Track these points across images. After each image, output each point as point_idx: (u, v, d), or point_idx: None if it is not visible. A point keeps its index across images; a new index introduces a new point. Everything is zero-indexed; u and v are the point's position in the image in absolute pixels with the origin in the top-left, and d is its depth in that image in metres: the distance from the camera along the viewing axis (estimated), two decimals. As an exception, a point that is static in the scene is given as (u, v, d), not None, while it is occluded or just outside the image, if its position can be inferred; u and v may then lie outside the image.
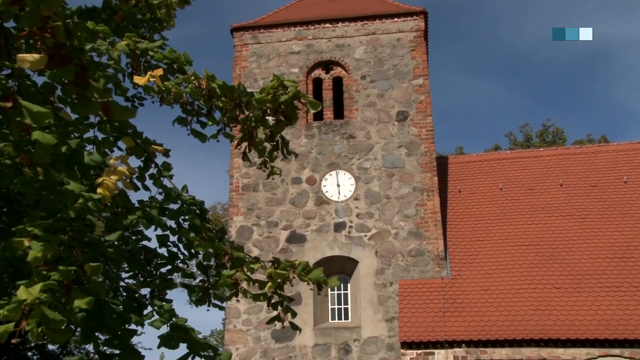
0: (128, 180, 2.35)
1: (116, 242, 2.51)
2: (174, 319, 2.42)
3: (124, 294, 2.61)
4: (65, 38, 1.69)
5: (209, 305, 2.75)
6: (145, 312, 2.47)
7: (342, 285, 9.98)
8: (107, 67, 2.10)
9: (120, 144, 2.72)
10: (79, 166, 2.38)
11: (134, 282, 2.75)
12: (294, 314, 2.65)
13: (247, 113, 2.54)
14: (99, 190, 2.07)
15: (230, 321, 9.67)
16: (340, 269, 9.96)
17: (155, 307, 2.50)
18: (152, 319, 2.44)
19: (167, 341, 2.32)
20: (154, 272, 2.86)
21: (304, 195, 10.19)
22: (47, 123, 1.77)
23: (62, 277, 1.80)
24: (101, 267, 1.92)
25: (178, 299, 24.59)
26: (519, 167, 11.44)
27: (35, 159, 1.87)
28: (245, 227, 10.14)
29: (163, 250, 2.93)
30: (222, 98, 2.44)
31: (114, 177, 2.10)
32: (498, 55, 37.95)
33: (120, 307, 2.37)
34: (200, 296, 2.72)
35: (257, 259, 2.69)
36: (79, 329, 2.21)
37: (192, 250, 2.94)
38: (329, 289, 9.90)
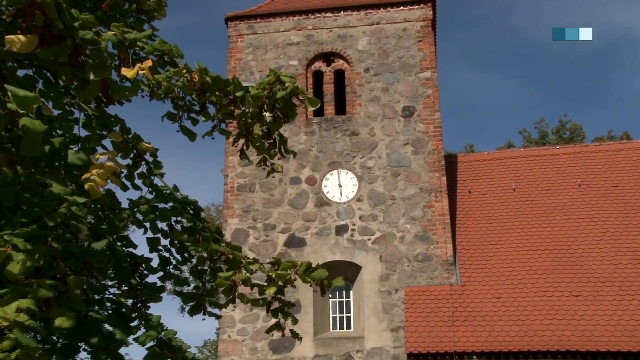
0: (117, 177, 2.34)
1: (103, 251, 2.50)
2: (162, 332, 2.41)
3: (109, 305, 2.60)
4: (56, 14, 1.68)
5: (204, 314, 2.74)
6: (132, 324, 2.46)
7: (344, 292, 9.97)
8: (99, 45, 2.08)
9: (106, 144, 2.72)
10: (63, 166, 2.38)
11: (119, 292, 2.75)
12: (295, 321, 2.65)
13: (242, 108, 2.54)
14: (86, 185, 2.06)
15: (225, 331, 9.68)
16: (342, 274, 9.91)
17: (142, 321, 2.48)
18: (139, 333, 2.43)
19: (153, 359, 2.31)
20: (141, 280, 2.85)
21: (304, 196, 10.20)
22: (34, 109, 1.76)
23: (42, 294, 1.78)
24: (85, 281, 1.92)
25: (168, 307, 24.65)
26: (534, 166, 11.43)
27: (23, 152, 1.84)
28: (241, 230, 10.15)
29: (154, 255, 2.93)
30: (216, 93, 2.45)
31: (102, 172, 2.08)
32: (511, 46, 37.96)
33: (105, 322, 2.36)
34: (195, 304, 2.71)
35: (255, 260, 2.68)
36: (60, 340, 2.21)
37: (185, 255, 2.93)
38: (330, 297, 9.90)
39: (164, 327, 2.47)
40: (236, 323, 9.67)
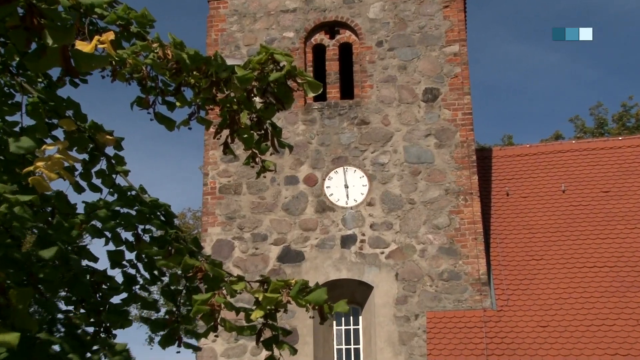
0: (69, 173, 2.33)
1: (52, 262, 2.52)
2: None
3: (62, 329, 2.61)
4: None
5: (179, 346, 2.74)
6: (91, 350, 2.48)
7: (351, 318, 9.99)
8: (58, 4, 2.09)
9: (56, 136, 2.72)
10: (2, 162, 2.39)
11: (76, 314, 2.75)
12: (294, 351, 2.65)
13: (227, 92, 2.54)
14: (31, 179, 2.06)
15: (204, 367, 9.69)
16: (349, 296, 9.95)
17: (104, 347, 2.49)
18: None
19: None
20: (104, 300, 2.86)
21: (302, 200, 10.21)
22: None
23: None
24: (32, 293, 1.92)
25: (132, 337, 24.72)
26: (589, 162, 11.41)
27: None
28: (224, 242, 10.16)
29: (117, 272, 2.94)
30: (194, 72, 2.44)
31: (50, 164, 2.08)
32: (561, 10, 37.90)
33: (57, 346, 2.37)
34: (167, 333, 2.71)
35: (241, 278, 2.69)
36: None
37: (155, 272, 2.94)
38: (335, 323, 9.91)
39: (132, 357, 2.48)
40: (218, 357, 9.68)
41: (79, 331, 2.59)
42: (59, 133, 2.78)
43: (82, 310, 2.80)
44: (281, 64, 2.49)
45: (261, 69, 2.47)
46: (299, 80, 2.51)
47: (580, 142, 12.61)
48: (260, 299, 2.52)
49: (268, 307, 2.55)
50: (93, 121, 2.74)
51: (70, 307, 2.79)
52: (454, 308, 9.39)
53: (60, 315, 2.66)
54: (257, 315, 2.54)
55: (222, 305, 2.53)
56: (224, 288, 2.62)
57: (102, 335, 2.85)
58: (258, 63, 2.46)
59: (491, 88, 36.57)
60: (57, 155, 2.11)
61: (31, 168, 2.06)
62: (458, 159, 10.05)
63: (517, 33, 38.89)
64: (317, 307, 2.52)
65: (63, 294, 2.87)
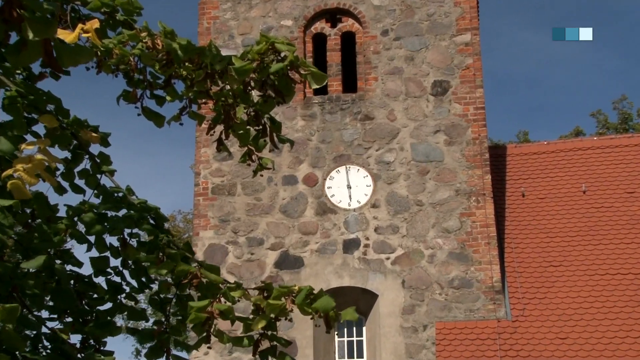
0: (50, 174, 2.32)
1: (37, 271, 2.51)
2: None
3: (48, 344, 2.61)
4: None
5: (167, 359, 2.75)
6: None
7: (354, 329, 9.99)
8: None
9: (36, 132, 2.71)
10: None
11: (61, 326, 2.76)
12: None
13: (222, 85, 2.53)
14: (9, 184, 2.05)
15: (195, 381, 9.70)
16: (352, 305, 9.93)
17: None
18: None
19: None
20: (91, 310, 2.87)
21: (301, 201, 10.21)
22: None
23: None
24: (18, 310, 1.91)
25: (120, 348, 24.75)
26: (612, 161, 11.40)
27: None
28: (217, 246, 10.16)
29: (101, 280, 2.94)
30: (186, 64, 2.44)
31: (30, 167, 2.07)
32: (579, -1, 37.86)
33: None
34: (155, 345, 2.71)
35: (238, 285, 2.68)
36: None
37: (143, 279, 2.94)
38: (336, 334, 9.92)
39: None
40: (210, 371, 9.68)
41: (65, 345, 2.59)
42: (38, 129, 2.78)
43: (67, 319, 2.81)
44: (282, 54, 2.49)
45: (261, 59, 2.46)
46: (302, 71, 2.50)
47: (602, 138, 12.60)
48: (263, 306, 2.52)
49: (270, 315, 2.54)
50: (76, 117, 2.73)
51: (54, 316, 2.80)
52: (465, 318, 9.39)
53: (45, 330, 2.66)
54: (259, 325, 2.53)
55: (219, 313, 2.52)
56: (221, 295, 2.61)
57: (91, 343, 2.85)
58: (258, 53, 2.45)
59: (505, 80, 36.60)
60: (38, 157, 2.10)
61: (10, 171, 2.04)
62: (470, 157, 10.05)
63: (533, 20, 38.89)
64: (322, 315, 2.52)
65: (48, 302, 2.88)
